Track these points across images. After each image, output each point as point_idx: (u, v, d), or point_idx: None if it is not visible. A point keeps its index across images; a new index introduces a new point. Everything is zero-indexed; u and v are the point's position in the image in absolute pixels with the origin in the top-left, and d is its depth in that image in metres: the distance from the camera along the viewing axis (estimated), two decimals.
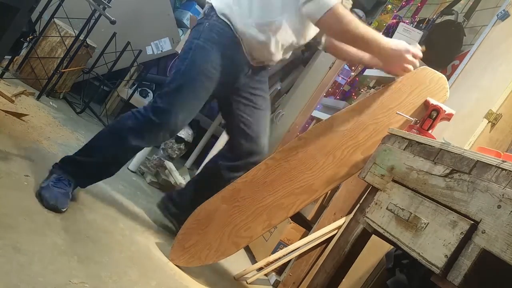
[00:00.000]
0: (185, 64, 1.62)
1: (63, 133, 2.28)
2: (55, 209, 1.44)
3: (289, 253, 1.95)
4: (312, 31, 1.71)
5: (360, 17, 2.90)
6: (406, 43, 1.56)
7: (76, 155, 1.64)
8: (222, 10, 1.63)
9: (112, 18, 2.48)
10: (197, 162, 3.06)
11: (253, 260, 2.25)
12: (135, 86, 3.48)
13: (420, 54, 1.59)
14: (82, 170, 1.61)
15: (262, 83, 1.81)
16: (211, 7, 1.66)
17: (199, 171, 2.13)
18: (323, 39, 1.86)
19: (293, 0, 1.55)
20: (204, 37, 1.63)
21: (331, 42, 1.87)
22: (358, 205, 1.48)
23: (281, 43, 1.65)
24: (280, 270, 2.10)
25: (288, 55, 1.77)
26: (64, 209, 1.48)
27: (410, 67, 1.57)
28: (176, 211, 1.85)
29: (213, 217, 1.65)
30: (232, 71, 1.68)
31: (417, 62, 1.57)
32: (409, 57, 1.54)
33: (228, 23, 1.62)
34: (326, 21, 1.49)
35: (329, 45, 1.88)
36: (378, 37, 1.53)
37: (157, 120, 1.58)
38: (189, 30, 3.26)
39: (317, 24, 1.53)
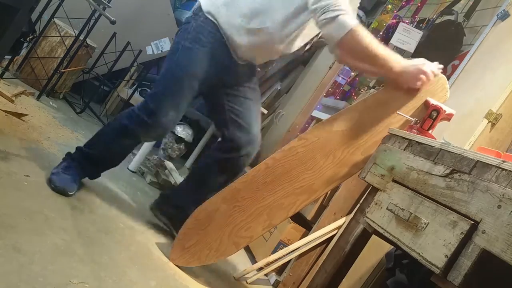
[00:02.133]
0: (172, 65, 1.69)
1: (63, 133, 2.28)
2: (63, 192, 1.59)
3: (289, 253, 1.95)
4: (305, 38, 1.72)
5: (360, 17, 2.90)
6: (423, 60, 1.55)
7: (84, 146, 1.77)
8: (208, 9, 1.66)
9: (112, 18, 2.48)
10: (197, 162, 3.06)
11: (253, 260, 2.25)
12: (135, 86, 3.47)
13: (437, 72, 1.57)
14: (88, 161, 1.73)
15: (250, 75, 1.82)
16: (199, 7, 1.69)
17: (189, 171, 2.15)
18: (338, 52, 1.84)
19: (302, 15, 1.58)
20: (190, 38, 1.66)
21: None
22: (358, 205, 1.48)
23: (269, 49, 1.69)
24: (280, 270, 2.10)
25: (276, 58, 1.81)
26: (72, 193, 1.62)
27: (424, 78, 1.54)
28: (172, 211, 1.85)
29: (213, 217, 1.65)
30: (219, 70, 1.70)
31: (431, 76, 1.54)
32: (424, 75, 1.53)
33: (215, 22, 1.65)
34: (347, 42, 1.47)
35: (344, 59, 1.81)
36: (396, 57, 1.53)
37: (148, 120, 1.66)
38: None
39: (337, 44, 1.52)
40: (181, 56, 1.66)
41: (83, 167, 1.72)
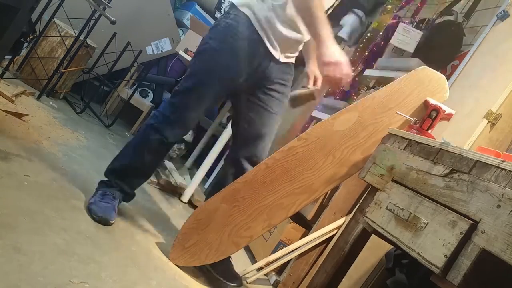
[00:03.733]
0: (198, 65, 1.68)
1: (63, 133, 2.28)
2: (105, 222, 1.58)
3: (289, 253, 1.95)
4: None
5: (360, 17, 2.90)
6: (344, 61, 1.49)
7: (111, 164, 1.75)
8: (241, 3, 1.64)
9: (112, 18, 2.48)
10: (197, 162, 3.06)
11: (253, 260, 2.25)
12: (135, 86, 3.48)
13: (346, 76, 1.50)
14: (120, 177, 1.70)
15: (281, 85, 1.75)
16: (232, 5, 1.67)
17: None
18: None
19: None
20: (219, 39, 1.63)
21: None
22: (358, 205, 1.48)
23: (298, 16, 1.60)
24: (280, 270, 2.10)
25: (308, 35, 1.68)
26: (113, 221, 1.60)
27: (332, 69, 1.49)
28: None
29: (213, 217, 1.65)
30: (249, 69, 1.65)
31: (338, 72, 1.49)
32: (334, 67, 1.49)
33: (250, 16, 1.61)
34: None
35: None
36: (330, 35, 1.50)
37: (171, 117, 1.67)
38: (189, 31, 3.28)
39: None
40: (207, 57, 1.65)
41: (118, 188, 1.69)
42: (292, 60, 1.77)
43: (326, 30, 1.49)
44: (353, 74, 3.07)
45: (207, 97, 1.66)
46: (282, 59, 1.70)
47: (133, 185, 1.76)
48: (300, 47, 1.76)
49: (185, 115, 1.67)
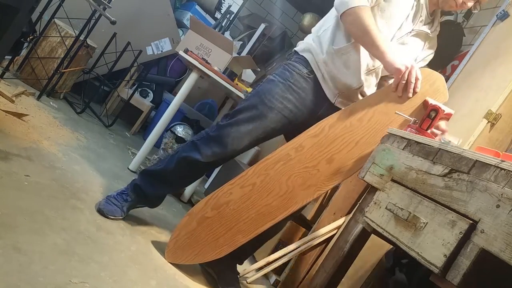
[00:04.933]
0: (252, 93, 1.73)
1: (63, 133, 2.28)
2: (102, 213, 1.66)
3: (289, 252, 1.96)
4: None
5: None
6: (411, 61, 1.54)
7: (147, 168, 1.81)
8: (302, 49, 1.70)
9: (112, 19, 2.48)
10: None
11: (253, 260, 2.25)
12: (135, 86, 3.48)
13: (418, 76, 1.55)
14: (147, 180, 1.74)
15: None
16: (294, 51, 1.74)
17: None
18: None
19: None
20: (276, 73, 1.70)
21: None
22: (358, 205, 1.48)
23: (360, 64, 1.63)
24: (280, 270, 2.10)
25: (372, 83, 1.71)
26: (112, 217, 1.67)
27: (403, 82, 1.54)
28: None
29: (207, 218, 1.65)
30: (302, 105, 1.66)
31: (412, 80, 1.54)
32: (404, 76, 1.53)
33: (308, 58, 1.67)
34: (345, 19, 1.55)
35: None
36: (387, 47, 1.53)
37: (211, 134, 1.67)
38: (189, 31, 3.28)
39: (340, 18, 1.58)
40: (263, 87, 1.68)
41: (137, 190, 1.73)
42: None
43: (378, 43, 1.51)
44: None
45: (254, 121, 1.64)
46: (337, 103, 1.69)
47: (157, 191, 1.75)
48: (360, 96, 1.71)
49: (225, 133, 1.64)
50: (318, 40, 1.68)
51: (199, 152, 1.65)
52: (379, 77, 1.73)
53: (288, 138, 1.75)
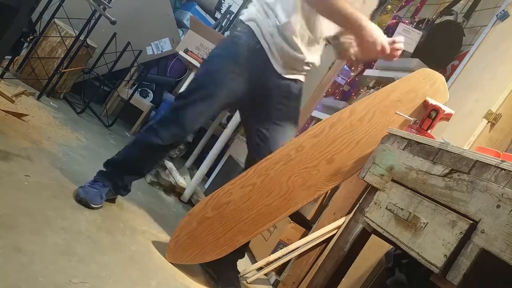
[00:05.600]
0: (201, 70, 1.74)
1: (63, 133, 2.28)
2: (85, 204, 1.61)
3: (289, 252, 1.96)
4: (324, 26, 1.67)
5: None
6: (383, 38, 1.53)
7: (111, 157, 1.78)
8: (247, 19, 1.69)
9: (112, 19, 2.48)
10: (197, 162, 3.06)
11: (253, 260, 2.25)
12: (135, 86, 3.48)
13: (394, 50, 1.56)
14: (114, 169, 1.74)
15: (290, 99, 1.74)
16: (239, 20, 1.72)
17: None
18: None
19: None
20: (223, 46, 1.70)
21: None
22: (358, 205, 1.48)
23: (299, 38, 1.63)
24: (280, 270, 2.10)
25: (315, 57, 1.73)
26: (96, 206, 1.64)
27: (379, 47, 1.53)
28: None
29: (208, 218, 1.65)
30: (251, 78, 1.66)
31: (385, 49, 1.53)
32: (379, 46, 1.52)
33: (253, 30, 1.65)
34: (317, 3, 1.53)
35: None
36: (361, 17, 1.51)
37: (169, 116, 1.68)
38: (189, 31, 3.28)
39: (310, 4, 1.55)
40: (209, 63, 1.70)
41: (110, 179, 1.72)
42: (300, 78, 1.75)
43: (356, 18, 1.49)
44: (352, 74, 3.07)
45: (207, 100, 1.66)
46: (286, 74, 1.70)
47: (123, 180, 1.76)
48: (306, 68, 1.73)
49: (182, 114, 1.66)
50: (262, 10, 1.66)
51: (158, 135, 1.67)
52: (324, 42, 1.74)
53: (243, 116, 1.83)
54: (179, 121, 1.67)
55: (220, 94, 1.66)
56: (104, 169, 1.75)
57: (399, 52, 1.59)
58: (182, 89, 1.74)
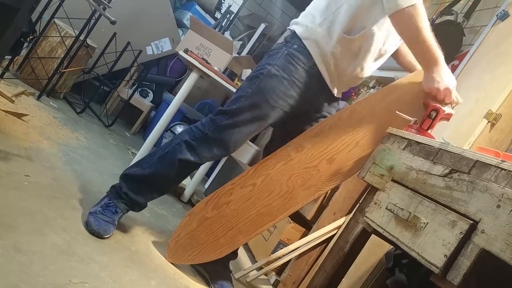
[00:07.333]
0: (252, 88, 1.57)
1: (63, 133, 2.28)
2: (98, 235, 1.48)
3: (289, 253, 1.96)
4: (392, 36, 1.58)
5: None
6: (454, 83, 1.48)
7: (129, 169, 1.65)
8: (304, 36, 1.56)
9: (112, 18, 2.48)
10: None
11: (253, 260, 2.25)
12: (135, 86, 3.48)
13: (458, 100, 1.52)
14: (136, 186, 1.60)
15: (329, 113, 1.71)
16: (294, 34, 1.58)
17: None
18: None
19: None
20: (278, 65, 1.56)
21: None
22: (358, 205, 1.48)
23: (372, 52, 1.56)
24: (280, 270, 2.10)
25: (374, 67, 1.65)
26: (107, 236, 1.51)
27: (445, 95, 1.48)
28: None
29: (209, 218, 1.65)
30: (305, 103, 1.60)
31: (451, 98, 1.49)
32: (448, 94, 1.47)
33: (310, 51, 1.54)
34: (405, 14, 1.39)
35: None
36: (440, 55, 1.45)
37: (211, 134, 1.57)
38: (189, 31, 3.28)
39: (392, 16, 1.41)
40: (263, 82, 1.55)
41: (127, 201, 1.60)
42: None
43: (436, 51, 1.41)
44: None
45: (258, 121, 1.57)
46: (337, 94, 1.68)
47: (147, 198, 1.64)
48: (359, 82, 1.69)
49: (228, 134, 1.56)
50: (326, 24, 1.52)
51: (197, 153, 1.57)
52: (385, 59, 1.66)
53: (278, 130, 1.75)
54: (224, 142, 1.57)
55: (272, 116, 1.57)
56: (121, 186, 1.61)
57: (453, 105, 1.52)
58: (226, 106, 1.59)
